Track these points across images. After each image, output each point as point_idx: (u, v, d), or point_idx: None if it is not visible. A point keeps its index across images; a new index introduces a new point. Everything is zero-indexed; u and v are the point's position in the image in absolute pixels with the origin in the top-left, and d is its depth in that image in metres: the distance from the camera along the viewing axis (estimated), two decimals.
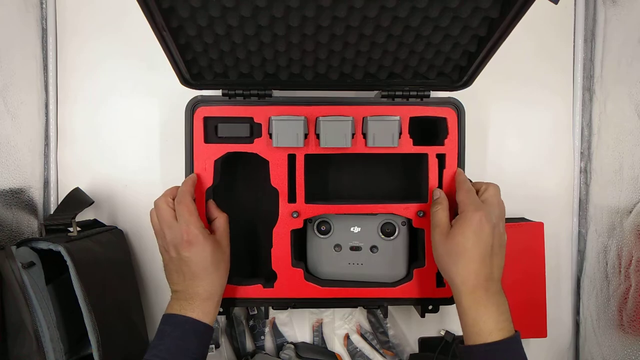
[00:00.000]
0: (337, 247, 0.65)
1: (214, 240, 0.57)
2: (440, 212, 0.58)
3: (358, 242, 0.65)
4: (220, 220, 0.61)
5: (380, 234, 0.65)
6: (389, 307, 0.73)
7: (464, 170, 0.64)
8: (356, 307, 0.75)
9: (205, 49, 0.55)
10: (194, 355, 0.53)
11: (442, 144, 0.64)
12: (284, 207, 0.63)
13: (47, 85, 0.74)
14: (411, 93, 0.63)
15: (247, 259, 0.71)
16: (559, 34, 0.77)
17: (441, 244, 0.55)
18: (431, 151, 0.64)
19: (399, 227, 0.65)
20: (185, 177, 0.63)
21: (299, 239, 0.67)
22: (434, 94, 0.65)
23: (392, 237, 0.65)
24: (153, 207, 0.58)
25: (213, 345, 0.74)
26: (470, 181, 0.61)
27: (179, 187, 0.60)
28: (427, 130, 0.67)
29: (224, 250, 0.59)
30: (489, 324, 0.50)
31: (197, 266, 0.55)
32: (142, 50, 0.73)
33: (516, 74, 0.76)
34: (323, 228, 0.65)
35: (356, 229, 0.65)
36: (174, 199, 0.58)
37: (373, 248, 0.65)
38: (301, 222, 0.63)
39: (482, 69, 0.59)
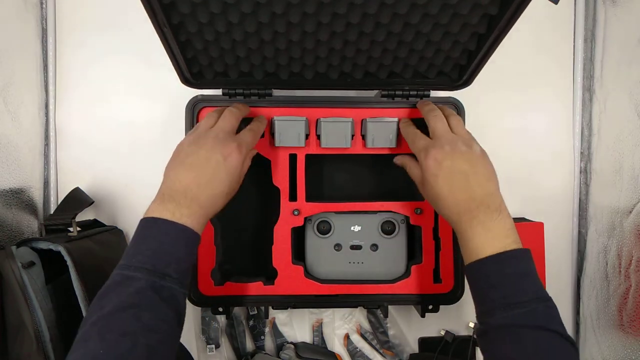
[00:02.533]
0: (337, 246, 0.65)
1: (242, 174, 0.56)
2: (410, 171, 0.59)
3: (359, 240, 0.65)
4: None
5: (381, 232, 0.65)
6: (389, 307, 0.73)
7: None
8: (356, 306, 0.75)
9: (206, 46, 0.56)
10: (185, 264, 0.48)
11: None
12: (285, 205, 0.64)
13: (47, 85, 0.74)
14: (411, 92, 0.64)
15: (249, 257, 0.71)
16: (559, 34, 0.77)
17: (423, 193, 0.58)
18: None
19: (399, 225, 0.66)
20: None
21: (298, 240, 0.67)
22: (434, 94, 0.65)
23: (392, 235, 0.65)
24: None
25: (213, 345, 0.74)
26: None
27: (242, 109, 0.59)
28: (427, 130, 0.68)
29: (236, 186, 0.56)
30: (477, 245, 0.51)
31: (224, 174, 0.51)
32: (142, 50, 0.73)
33: (516, 74, 0.76)
34: (323, 228, 0.66)
35: (356, 228, 0.65)
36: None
37: (373, 246, 0.65)
38: (302, 220, 0.64)
39: (481, 68, 0.59)
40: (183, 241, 0.48)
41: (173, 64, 0.57)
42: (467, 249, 0.52)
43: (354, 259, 0.65)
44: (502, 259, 0.49)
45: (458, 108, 0.64)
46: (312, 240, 0.66)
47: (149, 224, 0.48)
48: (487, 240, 0.50)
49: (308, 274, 0.65)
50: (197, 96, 0.63)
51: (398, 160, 0.63)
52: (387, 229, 0.66)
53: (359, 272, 0.65)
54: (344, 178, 0.73)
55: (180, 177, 0.51)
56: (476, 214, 0.51)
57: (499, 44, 0.54)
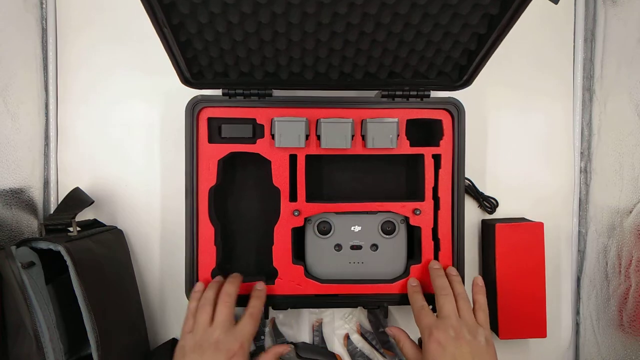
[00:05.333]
0: (338, 246, 0.65)
1: None
2: (404, 348, 0.60)
3: (359, 241, 0.65)
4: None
5: (381, 232, 0.65)
6: (389, 307, 0.73)
7: (464, 169, 0.65)
8: (356, 306, 0.75)
9: (206, 46, 0.56)
10: None
11: (438, 145, 0.65)
12: (285, 205, 0.64)
13: (47, 85, 0.73)
14: (411, 93, 0.64)
15: (249, 257, 0.71)
16: (559, 34, 0.77)
17: None
18: (427, 152, 0.65)
19: (399, 225, 0.66)
20: (186, 176, 0.63)
21: (298, 240, 0.67)
22: (434, 94, 0.65)
23: (392, 235, 0.66)
24: (197, 293, 0.60)
25: None
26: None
27: (228, 282, 0.61)
28: (427, 130, 0.68)
29: None
30: None
31: None
32: (142, 50, 0.73)
33: (516, 74, 0.76)
34: (323, 228, 0.66)
35: (357, 228, 0.65)
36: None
37: (373, 246, 0.65)
38: (302, 220, 0.64)
39: (481, 68, 0.59)
40: None
41: (173, 64, 0.57)
42: None
43: (354, 259, 0.65)
44: None
45: (458, 108, 0.64)
46: (313, 240, 0.66)
47: None
48: None
49: (308, 273, 0.65)
50: (197, 96, 0.63)
51: (391, 331, 0.63)
52: (387, 229, 0.66)
53: (359, 272, 0.66)
54: (344, 178, 0.73)
55: None
56: None
57: (499, 44, 0.54)
